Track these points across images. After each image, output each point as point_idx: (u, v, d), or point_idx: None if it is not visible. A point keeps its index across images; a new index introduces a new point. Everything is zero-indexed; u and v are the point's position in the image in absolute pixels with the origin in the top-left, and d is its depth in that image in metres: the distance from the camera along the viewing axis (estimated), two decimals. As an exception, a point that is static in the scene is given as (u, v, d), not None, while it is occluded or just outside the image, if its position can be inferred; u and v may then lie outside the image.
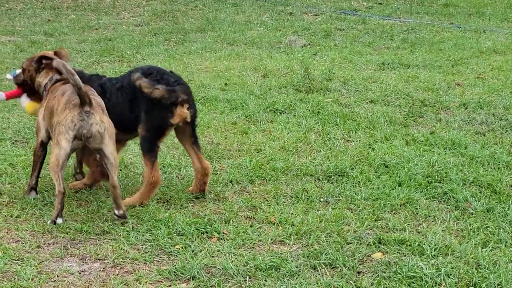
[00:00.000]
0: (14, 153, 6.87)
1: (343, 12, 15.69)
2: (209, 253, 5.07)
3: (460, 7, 16.37)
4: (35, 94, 6.10)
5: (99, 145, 5.42)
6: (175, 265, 4.90)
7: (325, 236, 5.32)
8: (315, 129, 7.68)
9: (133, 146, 6.97)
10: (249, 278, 4.78)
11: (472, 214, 5.73)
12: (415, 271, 4.79)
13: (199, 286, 4.70)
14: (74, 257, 5.05)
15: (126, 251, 5.11)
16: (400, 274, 4.78)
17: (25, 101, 6.18)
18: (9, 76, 6.21)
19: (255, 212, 5.75)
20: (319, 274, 4.82)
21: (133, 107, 5.86)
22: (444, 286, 4.66)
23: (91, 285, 4.71)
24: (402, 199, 5.93)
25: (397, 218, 5.64)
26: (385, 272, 4.83)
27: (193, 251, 5.10)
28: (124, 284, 4.71)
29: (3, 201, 5.88)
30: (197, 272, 4.80)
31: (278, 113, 8.27)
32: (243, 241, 5.27)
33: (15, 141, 7.27)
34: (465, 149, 7.10)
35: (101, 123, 5.39)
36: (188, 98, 5.81)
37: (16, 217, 5.62)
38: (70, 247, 5.18)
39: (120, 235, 5.32)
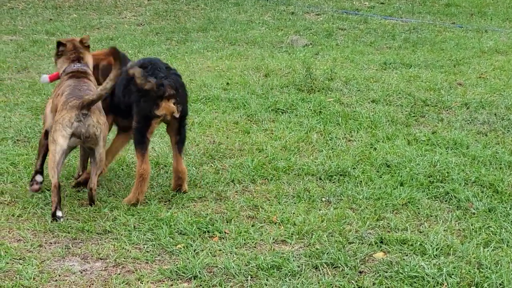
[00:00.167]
0: (15, 152, 6.87)
1: (345, 12, 15.68)
2: (210, 253, 5.07)
3: (462, 7, 16.36)
4: None
5: (93, 146, 5.67)
6: (176, 265, 4.90)
7: (326, 236, 5.31)
8: (317, 129, 7.68)
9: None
10: (251, 277, 4.78)
11: (474, 214, 5.72)
12: (417, 271, 4.78)
13: (201, 285, 4.70)
14: (76, 257, 5.05)
15: (128, 250, 5.11)
16: (402, 273, 4.77)
17: None
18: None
19: (257, 212, 5.75)
20: (320, 274, 4.82)
21: (127, 98, 5.97)
22: (446, 286, 4.66)
23: (92, 284, 4.71)
24: (404, 199, 5.92)
25: (399, 218, 5.64)
26: (387, 272, 4.82)
27: (194, 251, 5.10)
28: (126, 284, 4.71)
29: (5, 200, 5.88)
30: (199, 271, 4.80)
31: (280, 113, 8.27)
32: (244, 240, 5.26)
33: (17, 140, 7.27)
34: (467, 149, 7.10)
35: (97, 124, 5.60)
36: (175, 94, 5.84)
37: (17, 216, 5.62)
38: (72, 246, 5.18)
39: (121, 235, 5.32)
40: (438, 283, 4.69)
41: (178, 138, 6.06)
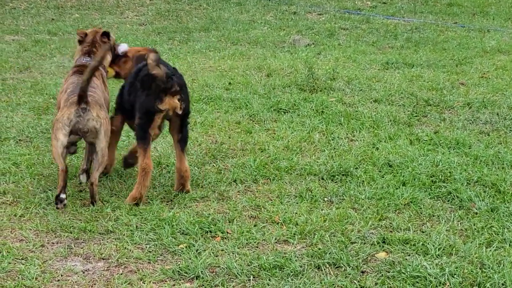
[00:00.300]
0: (18, 152, 6.87)
1: (347, 12, 15.68)
2: (213, 253, 5.07)
3: (464, 7, 16.35)
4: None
5: (93, 139, 5.76)
6: (179, 265, 4.90)
7: (329, 236, 5.31)
8: (319, 129, 7.67)
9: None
10: (253, 277, 4.77)
11: (476, 213, 5.72)
12: (419, 270, 4.78)
13: (203, 285, 4.70)
14: (78, 256, 5.05)
15: (130, 250, 5.11)
16: (404, 273, 4.77)
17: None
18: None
19: (259, 212, 5.75)
20: (323, 274, 4.82)
21: (132, 97, 6.03)
22: (448, 285, 4.66)
23: (95, 284, 4.71)
24: (406, 199, 5.92)
25: (401, 218, 5.63)
26: (389, 272, 4.82)
27: (197, 251, 5.10)
28: (128, 284, 4.70)
29: (7, 200, 5.88)
30: (201, 271, 4.80)
31: (282, 113, 8.27)
32: (247, 240, 5.26)
33: (19, 140, 7.27)
34: (469, 148, 7.10)
35: (97, 118, 5.70)
36: (180, 91, 5.89)
37: (20, 216, 5.62)
38: (74, 246, 5.18)
39: (124, 234, 5.32)
40: (440, 283, 4.68)
41: (180, 137, 6.08)
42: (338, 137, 7.44)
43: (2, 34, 12.85)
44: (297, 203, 5.93)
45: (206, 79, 9.61)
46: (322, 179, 6.42)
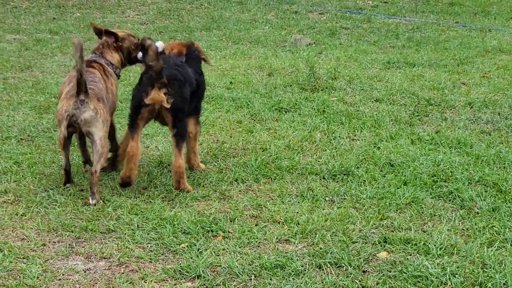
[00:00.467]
0: (19, 151, 6.87)
1: (348, 11, 15.67)
2: (214, 252, 5.07)
3: (466, 6, 16.34)
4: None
5: (89, 128, 5.84)
6: (180, 264, 4.90)
7: (330, 235, 5.31)
8: (320, 128, 7.67)
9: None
10: (254, 277, 4.77)
11: (477, 213, 5.72)
12: (420, 270, 4.78)
13: (204, 285, 4.70)
14: (79, 256, 5.05)
15: (131, 249, 5.11)
16: (406, 273, 4.77)
17: None
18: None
19: (260, 211, 5.75)
20: (324, 273, 4.82)
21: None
22: (449, 285, 4.66)
23: (96, 283, 4.71)
24: (408, 198, 5.92)
25: (403, 217, 5.63)
26: (390, 271, 4.82)
27: (198, 250, 5.10)
28: (129, 283, 4.70)
29: (9, 199, 5.88)
30: (202, 270, 4.80)
31: (283, 112, 8.27)
32: (248, 240, 5.26)
33: (20, 139, 7.27)
34: (471, 148, 7.10)
35: (94, 109, 5.82)
36: (167, 84, 5.94)
37: (21, 215, 5.62)
38: (75, 245, 5.18)
39: (125, 234, 5.32)
40: (442, 282, 4.68)
41: (175, 132, 6.10)
42: (339, 136, 7.44)
43: (3, 33, 12.85)
44: (298, 202, 5.93)
45: (207, 78, 9.57)
46: (324, 178, 6.42)
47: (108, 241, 5.25)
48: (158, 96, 5.93)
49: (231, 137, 7.45)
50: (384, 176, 6.41)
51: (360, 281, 4.73)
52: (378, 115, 8.08)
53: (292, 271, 4.81)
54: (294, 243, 5.24)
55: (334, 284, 4.69)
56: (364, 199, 5.95)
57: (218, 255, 5.03)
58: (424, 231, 5.42)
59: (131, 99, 6.13)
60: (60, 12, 15.21)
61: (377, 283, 4.70)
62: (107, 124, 5.97)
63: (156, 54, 5.84)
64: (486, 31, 13.57)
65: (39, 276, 4.75)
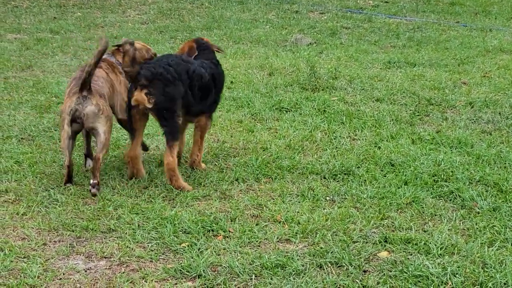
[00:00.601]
0: (20, 150, 6.87)
1: (349, 11, 15.67)
2: (215, 251, 5.07)
3: (466, 6, 16.34)
4: None
5: (92, 124, 5.99)
6: (181, 263, 4.90)
7: (331, 235, 5.31)
8: (321, 128, 7.67)
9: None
10: (255, 276, 4.77)
11: (478, 213, 5.71)
12: (421, 270, 4.78)
13: (205, 284, 4.70)
14: (80, 255, 5.05)
15: (132, 249, 5.12)
16: (406, 273, 4.77)
17: None
18: None
19: (261, 211, 5.75)
20: (325, 273, 4.82)
21: None
22: (450, 285, 4.66)
23: (97, 283, 4.71)
24: (408, 198, 5.92)
25: (403, 217, 5.63)
26: (391, 271, 4.82)
27: (199, 249, 5.10)
28: (130, 282, 4.70)
29: (9, 199, 5.89)
30: (203, 270, 4.80)
31: (284, 111, 8.27)
32: (249, 239, 5.26)
33: (21, 138, 7.27)
34: (471, 148, 7.09)
35: (96, 105, 5.97)
36: (147, 85, 5.99)
37: (22, 214, 5.62)
38: (76, 245, 5.18)
39: (126, 233, 5.32)
40: (442, 282, 4.68)
41: (164, 130, 6.17)
42: (340, 136, 7.44)
43: (4, 33, 12.86)
44: (299, 202, 5.93)
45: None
46: (324, 178, 6.42)
47: (109, 240, 5.25)
48: (140, 97, 5.99)
49: (231, 136, 7.45)
50: (385, 176, 6.41)
51: (360, 280, 4.72)
52: (378, 115, 8.08)
53: (293, 271, 4.81)
54: (294, 243, 5.24)
55: (335, 283, 4.69)
56: (364, 198, 5.95)
57: (218, 255, 5.03)
58: (424, 231, 5.42)
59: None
60: (61, 12, 15.22)
61: (378, 283, 4.70)
62: (110, 120, 6.09)
63: (131, 60, 5.95)
64: (487, 31, 13.57)
65: (40, 276, 4.75)
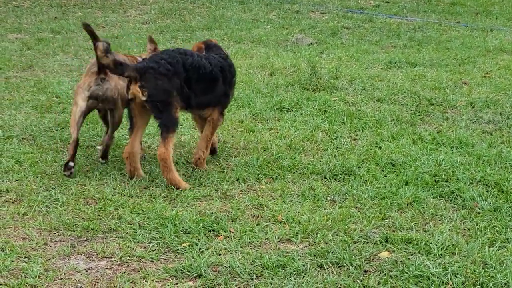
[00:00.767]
0: (21, 150, 6.88)
1: (350, 11, 15.67)
2: (215, 251, 5.07)
3: (467, 6, 16.34)
4: None
5: (111, 107, 6.40)
6: (181, 263, 4.90)
7: (332, 235, 5.31)
8: (322, 128, 7.67)
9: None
10: (256, 276, 4.77)
11: (479, 213, 5.71)
12: (422, 270, 4.78)
13: (206, 284, 4.70)
14: (81, 255, 5.05)
15: (133, 249, 5.12)
16: (407, 273, 4.77)
17: None
18: None
19: (262, 211, 5.75)
20: (325, 273, 4.82)
21: None
22: (451, 285, 4.66)
23: (97, 282, 4.71)
24: (409, 198, 5.92)
25: (404, 217, 5.63)
26: (392, 271, 4.82)
27: (199, 249, 5.10)
28: (131, 282, 4.71)
29: (10, 199, 5.89)
30: (204, 270, 4.80)
31: (285, 111, 8.27)
32: (249, 239, 5.26)
33: (22, 138, 7.28)
34: (472, 148, 7.10)
35: (115, 89, 6.30)
36: (139, 77, 6.06)
37: (23, 214, 5.62)
38: (77, 244, 5.18)
39: (127, 233, 5.32)
40: (443, 282, 4.68)
41: (159, 122, 6.20)
42: (341, 136, 7.44)
43: (5, 32, 12.86)
44: (300, 202, 5.93)
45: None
46: (325, 178, 6.42)
47: (110, 240, 5.25)
48: (135, 90, 6.08)
49: (232, 136, 7.45)
50: (386, 176, 6.41)
51: (361, 280, 4.73)
52: (379, 115, 8.08)
53: (294, 271, 4.82)
54: (295, 243, 5.24)
55: (336, 283, 4.69)
56: (365, 198, 5.95)
57: (219, 255, 5.03)
58: (425, 231, 5.42)
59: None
60: (62, 12, 15.23)
61: (379, 283, 4.70)
62: (124, 100, 6.35)
63: (103, 51, 5.98)
64: (487, 31, 13.56)
65: (41, 275, 4.76)
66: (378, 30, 13.70)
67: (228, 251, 5.09)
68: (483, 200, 5.90)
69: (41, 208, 5.72)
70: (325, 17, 15.05)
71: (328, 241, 5.22)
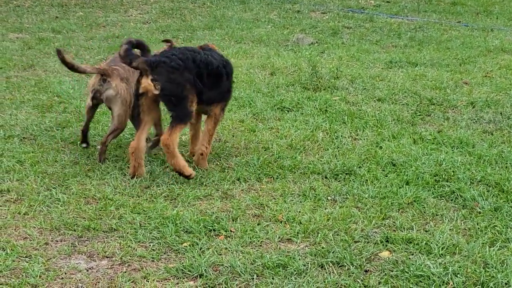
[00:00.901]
0: (22, 150, 6.88)
1: (351, 10, 15.67)
2: (216, 251, 5.07)
3: (468, 6, 16.34)
4: None
5: (109, 104, 6.66)
6: (182, 263, 4.90)
7: (332, 235, 5.31)
8: (323, 127, 7.68)
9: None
10: (257, 276, 4.78)
11: (479, 213, 5.72)
12: (422, 270, 4.78)
13: (207, 284, 4.70)
14: (82, 254, 5.05)
15: (134, 248, 5.12)
16: (408, 273, 4.77)
17: None
18: None
19: (263, 210, 5.75)
20: (326, 273, 4.82)
21: None
22: (451, 285, 4.66)
23: (98, 282, 4.72)
24: (410, 198, 5.92)
25: (405, 217, 5.64)
26: (392, 271, 4.82)
27: (200, 249, 5.10)
28: (132, 282, 4.71)
29: (11, 198, 5.89)
30: (205, 270, 4.80)
31: (286, 111, 8.27)
32: (250, 239, 5.27)
33: (23, 138, 7.28)
34: (473, 148, 7.10)
35: (115, 88, 6.57)
36: (149, 70, 6.11)
37: (24, 214, 5.62)
38: (78, 244, 5.19)
39: (127, 233, 5.33)
40: (443, 282, 4.68)
41: (172, 115, 6.23)
42: (341, 136, 7.44)
43: (6, 32, 12.86)
44: (300, 201, 5.93)
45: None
46: (326, 178, 6.42)
47: (111, 240, 5.25)
48: (147, 84, 6.11)
49: (233, 136, 7.45)
50: (386, 176, 6.41)
51: (362, 280, 4.73)
52: (380, 115, 8.08)
53: (294, 271, 4.82)
54: (296, 243, 5.25)
55: (336, 283, 4.70)
56: (366, 198, 5.96)
57: (220, 254, 5.03)
58: (426, 231, 5.42)
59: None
60: (63, 11, 15.23)
61: (379, 283, 4.71)
62: (127, 103, 6.59)
63: (124, 52, 6.13)
64: (488, 30, 13.57)
65: (42, 275, 4.76)
66: (378, 29, 13.70)
67: (229, 250, 5.09)
68: (483, 200, 5.90)
69: (42, 208, 5.72)
70: (325, 16, 15.05)
71: (329, 241, 5.23)
